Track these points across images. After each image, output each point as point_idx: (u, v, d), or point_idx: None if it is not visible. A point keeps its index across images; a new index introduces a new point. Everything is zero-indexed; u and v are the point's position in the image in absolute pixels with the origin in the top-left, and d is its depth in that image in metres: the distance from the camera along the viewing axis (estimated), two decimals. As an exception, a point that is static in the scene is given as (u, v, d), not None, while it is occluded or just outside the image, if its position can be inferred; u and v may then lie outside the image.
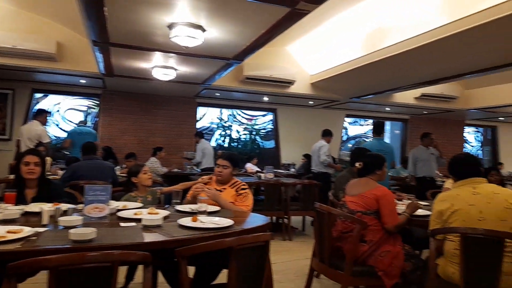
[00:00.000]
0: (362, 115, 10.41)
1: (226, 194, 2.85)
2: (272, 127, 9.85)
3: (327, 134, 6.40)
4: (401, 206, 2.89)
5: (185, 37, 3.75)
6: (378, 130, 4.94)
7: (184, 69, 5.59)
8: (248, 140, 10.90)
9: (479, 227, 2.14)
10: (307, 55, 6.56)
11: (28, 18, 5.34)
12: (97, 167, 4.16)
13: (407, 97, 7.61)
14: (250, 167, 7.83)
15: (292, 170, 8.04)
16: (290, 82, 6.66)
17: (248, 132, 10.93)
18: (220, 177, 2.93)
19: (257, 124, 11.01)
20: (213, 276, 2.50)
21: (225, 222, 2.11)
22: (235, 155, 3.12)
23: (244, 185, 2.94)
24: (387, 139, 11.01)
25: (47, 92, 8.54)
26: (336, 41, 5.58)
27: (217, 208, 2.57)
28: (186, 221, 2.09)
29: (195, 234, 1.90)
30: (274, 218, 5.42)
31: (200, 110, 9.09)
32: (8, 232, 1.68)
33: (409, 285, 2.50)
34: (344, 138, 11.49)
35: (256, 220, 2.37)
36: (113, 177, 4.24)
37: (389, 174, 8.23)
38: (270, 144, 10.41)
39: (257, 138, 10.94)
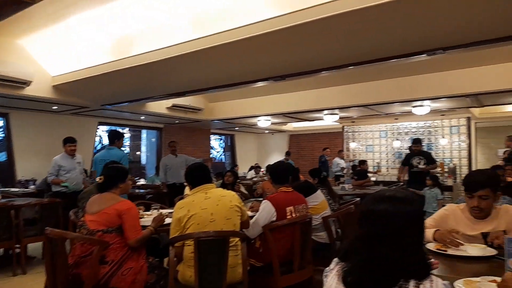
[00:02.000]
0: (118, 123, 10.02)
1: None
2: (2, 135, 8.01)
3: (66, 142, 5.37)
4: (148, 218, 2.85)
5: None
6: (110, 138, 5.14)
7: None
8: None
9: (211, 228, 2.36)
10: (48, 52, 5.68)
11: None
12: None
13: (160, 106, 7.86)
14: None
15: (32, 187, 6.78)
16: (24, 83, 5.56)
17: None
18: None
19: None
20: None
21: None
22: None
23: None
24: (143, 147, 11.09)
25: None
26: (83, 41, 5.07)
27: None
28: None
29: None
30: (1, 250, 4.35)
31: None
32: None
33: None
34: (100, 147, 10.76)
35: None
36: None
37: (145, 183, 8.29)
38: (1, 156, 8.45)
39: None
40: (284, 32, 3.35)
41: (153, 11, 4.17)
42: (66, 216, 4.31)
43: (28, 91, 5.74)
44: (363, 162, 7.87)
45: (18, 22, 3.78)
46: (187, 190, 4.13)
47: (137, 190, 6.57)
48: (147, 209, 3.41)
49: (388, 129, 10.20)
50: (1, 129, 8.06)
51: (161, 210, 3.29)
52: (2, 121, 7.52)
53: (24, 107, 7.07)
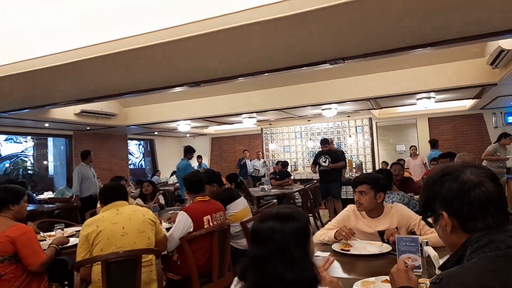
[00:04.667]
0: (19, 131, 9.01)
1: None
2: None
3: None
4: (49, 241, 2.62)
5: None
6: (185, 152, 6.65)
7: None
8: None
9: (123, 242, 2.27)
10: None
11: None
12: None
13: (68, 113, 7.25)
14: None
15: None
16: None
17: None
18: None
19: None
20: None
21: None
22: None
23: None
24: (51, 156, 10.13)
25: None
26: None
27: None
28: None
29: None
30: None
31: None
32: None
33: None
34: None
35: None
36: None
37: (53, 196, 7.55)
38: None
39: None
40: (195, 39, 3.33)
41: (46, 13, 3.84)
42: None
43: None
44: (285, 164, 8.13)
45: None
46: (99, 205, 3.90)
47: (45, 206, 5.97)
48: (51, 228, 3.13)
49: (302, 130, 10.77)
50: None
51: (65, 229, 3.04)
52: None
53: None
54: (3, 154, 10.23)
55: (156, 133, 11.20)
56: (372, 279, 1.60)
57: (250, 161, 10.13)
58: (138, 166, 13.35)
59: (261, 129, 11.32)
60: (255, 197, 4.96)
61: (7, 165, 10.19)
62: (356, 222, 2.35)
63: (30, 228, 2.34)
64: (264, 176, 9.58)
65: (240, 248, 3.31)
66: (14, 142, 10.59)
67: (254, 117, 8.18)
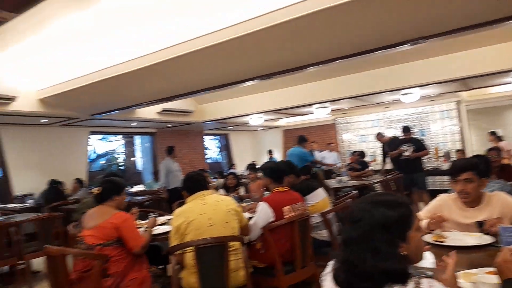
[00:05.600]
0: (110, 131, 9.99)
1: None
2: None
3: None
4: (144, 228, 2.86)
5: None
6: (299, 141, 6.52)
7: None
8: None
9: (210, 232, 2.38)
10: (30, 67, 5.60)
11: None
12: None
13: (150, 112, 7.82)
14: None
15: (30, 201, 6.74)
16: (10, 99, 5.51)
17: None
18: None
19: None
20: None
21: None
22: None
23: None
24: (138, 152, 11.04)
25: None
26: (64, 54, 5.01)
27: None
28: None
29: None
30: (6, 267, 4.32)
31: None
32: None
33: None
34: (94, 156, 10.71)
35: None
36: None
37: (144, 189, 8.24)
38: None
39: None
40: (270, 30, 3.34)
41: (136, 19, 4.14)
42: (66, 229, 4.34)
43: (15, 106, 5.70)
44: (362, 154, 7.82)
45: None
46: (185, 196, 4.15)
47: (136, 198, 6.54)
48: (146, 217, 3.40)
49: (380, 118, 10.24)
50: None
51: (158, 218, 3.28)
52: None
53: (13, 122, 7.01)
54: (99, 152, 11.41)
55: (230, 128, 11.55)
56: (475, 270, 1.46)
57: (320, 152, 9.85)
58: (216, 160, 13.92)
59: (334, 119, 11.03)
60: (331, 188, 4.85)
61: (102, 162, 11.35)
62: (450, 213, 2.15)
63: (131, 216, 2.59)
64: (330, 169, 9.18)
65: (321, 239, 3.27)
66: (107, 141, 11.72)
67: (326, 107, 7.98)
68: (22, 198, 6.92)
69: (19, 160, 7.37)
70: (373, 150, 10.18)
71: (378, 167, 8.70)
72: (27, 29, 4.23)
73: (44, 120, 7.09)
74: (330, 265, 1.19)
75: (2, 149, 7.25)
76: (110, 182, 2.72)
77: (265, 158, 11.15)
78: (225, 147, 13.10)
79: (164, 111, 7.83)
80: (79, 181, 7.21)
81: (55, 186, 6.71)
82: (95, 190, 2.68)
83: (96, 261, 2.26)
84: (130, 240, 2.46)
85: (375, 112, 10.13)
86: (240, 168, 12.11)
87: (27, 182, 7.30)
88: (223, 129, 11.82)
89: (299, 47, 3.99)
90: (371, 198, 1.17)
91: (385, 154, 7.73)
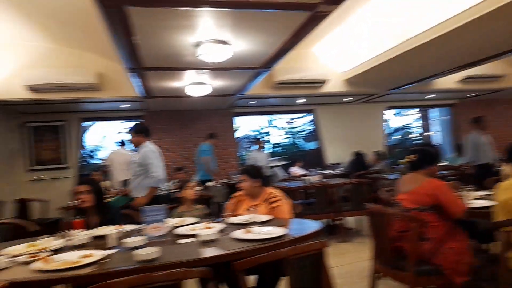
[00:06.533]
0: (405, 105, 10.03)
1: (261, 211, 2.82)
2: (313, 128, 9.76)
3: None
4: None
5: (211, 54, 3.84)
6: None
7: (217, 82, 5.71)
8: (290, 144, 10.88)
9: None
10: (336, 52, 6.45)
11: (69, 54, 5.71)
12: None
13: (449, 81, 7.22)
14: (295, 170, 7.80)
15: (339, 169, 7.92)
16: (322, 82, 6.58)
17: (289, 136, 10.90)
18: (244, 191, 2.96)
19: (296, 127, 10.95)
20: (274, 283, 2.48)
21: (277, 231, 2.12)
22: (250, 167, 3.12)
23: (275, 196, 2.90)
24: (436, 126, 10.50)
25: (94, 119, 9.09)
26: (363, 35, 5.43)
27: (269, 217, 2.59)
28: (239, 233, 2.14)
29: (249, 246, 1.94)
30: (326, 220, 5.37)
31: (237, 120, 9.20)
32: (82, 257, 1.85)
33: (480, 282, 2.37)
34: (390, 130, 11.12)
35: (308, 226, 2.36)
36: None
37: (447, 163, 7.82)
38: (312, 145, 10.30)
39: (298, 141, 10.87)
40: None
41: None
42: (370, 194, 4.92)
43: (326, 88, 6.74)
44: None
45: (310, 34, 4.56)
46: (506, 170, 3.66)
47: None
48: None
49: None
50: (312, 122, 9.84)
51: (473, 193, 3.08)
52: (312, 116, 9.14)
53: (324, 102, 8.37)
54: (394, 126, 11.70)
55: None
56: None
57: None
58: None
59: None
60: None
61: (398, 136, 11.57)
62: None
63: (443, 182, 2.56)
64: None
65: None
66: (402, 115, 11.80)
67: None
68: (333, 166, 8.22)
69: (330, 134, 8.75)
70: None
71: None
72: (336, 18, 4.87)
73: (348, 99, 8.04)
74: None
75: (318, 125, 8.84)
76: (425, 152, 2.76)
77: None
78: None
79: (466, 79, 7.02)
80: (377, 154, 7.77)
81: (358, 157, 7.54)
82: (410, 156, 2.74)
83: (413, 224, 2.37)
84: (450, 205, 2.43)
85: None
86: None
87: (336, 152, 8.62)
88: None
89: None
90: None
91: None
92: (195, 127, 8.34)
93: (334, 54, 6.48)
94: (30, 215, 5.88)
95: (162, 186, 3.84)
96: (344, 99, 8.12)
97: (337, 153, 8.60)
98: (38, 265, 1.77)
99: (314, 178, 5.64)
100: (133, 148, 4.41)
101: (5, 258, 1.86)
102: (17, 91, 5.49)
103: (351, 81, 6.69)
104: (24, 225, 2.96)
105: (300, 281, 1.75)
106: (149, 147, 4.00)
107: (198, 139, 8.26)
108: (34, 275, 1.69)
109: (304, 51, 6.41)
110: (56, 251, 2.07)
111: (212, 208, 3.66)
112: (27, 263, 1.85)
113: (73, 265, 1.74)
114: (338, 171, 7.63)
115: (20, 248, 2.13)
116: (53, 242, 2.23)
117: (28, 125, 7.38)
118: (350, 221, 5.48)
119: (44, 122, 7.47)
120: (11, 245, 2.21)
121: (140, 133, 4.07)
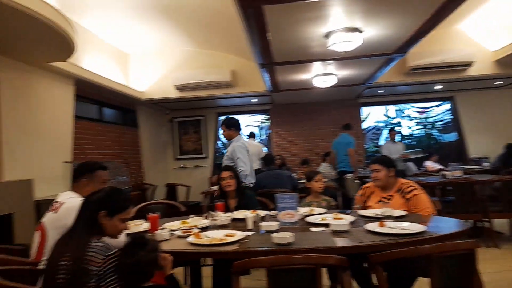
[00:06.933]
0: None
1: (395, 203, 2.66)
2: (450, 117, 8.71)
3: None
4: None
5: (342, 43, 3.77)
6: None
7: (344, 72, 5.58)
8: (423, 135, 9.97)
9: None
10: (485, 30, 5.58)
11: (208, 55, 6.38)
12: (276, 176, 4.58)
13: None
14: (431, 165, 7.10)
15: (485, 164, 6.90)
16: (467, 64, 5.78)
17: (421, 127, 9.99)
18: (378, 182, 2.79)
19: (431, 116, 9.94)
20: (409, 283, 2.33)
21: (417, 227, 2.00)
22: (384, 157, 3.03)
23: (410, 186, 2.71)
24: None
25: (228, 114, 9.90)
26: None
27: (403, 213, 2.46)
28: (373, 226, 2.09)
29: (386, 240, 1.88)
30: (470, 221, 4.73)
31: (364, 111, 8.83)
32: (226, 235, 2.06)
33: None
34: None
35: (451, 225, 2.16)
36: (292, 183, 4.58)
37: None
38: (450, 137, 9.22)
39: (433, 132, 9.87)
40: None
41: None
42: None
43: (471, 71, 5.93)
44: None
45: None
46: None
47: None
48: None
49: None
50: (449, 111, 8.80)
51: None
52: (449, 104, 8.18)
53: (467, 87, 7.36)
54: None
55: None
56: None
57: None
58: None
59: None
60: None
61: None
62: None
63: None
64: None
65: None
66: None
67: None
68: (478, 161, 7.18)
69: (472, 124, 7.68)
70: None
71: None
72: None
73: (498, 82, 6.90)
74: None
75: (458, 114, 7.85)
76: None
77: None
78: None
79: None
80: None
81: (511, 150, 6.41)
82: None
83: None
84: None
85: None
86: None
87: (481, 145, 7.51)
88: None
89: None
90: None
91: None
92: (319, 119, 8.33)
93: (484, 31, 5.62)
94: (177, 197, 6.81)
95: (246, 180, 3.81)
96: (495, 83, 6.99)
97: (482, 146, 7.50)
98: (191, 239, 2.03)
99: (453, 173, 5.04)
100: (225, 141, 4.47)
101: (167, 231, 2.18)
102: (168, 91, 6.38)
103: (503, 61, 5.72)
104: (177, 205, 3.42)
105: (446, 282, 1.61)
106: (239, 142, 4.05)
107: (322, 131, 8.24)
108: (189, 247, 1.94)
109: (444, 30, 5.75)
110: (204, 229, 2.34)
111: (338, 200, 3.60)
112: (182, 237, 2.14)
113: (220, 242, 1.95)
114: (483, 166, 6.64)
115: (176, 224, 2.49)
116: (201, 221, 2.54)
117: (175, 120, 8.50)
118: (500, 224, 4.72)
119: (188, 117, 8.52)
120: (168, 222, 2.58)
121: (231, 127, 4.11)
